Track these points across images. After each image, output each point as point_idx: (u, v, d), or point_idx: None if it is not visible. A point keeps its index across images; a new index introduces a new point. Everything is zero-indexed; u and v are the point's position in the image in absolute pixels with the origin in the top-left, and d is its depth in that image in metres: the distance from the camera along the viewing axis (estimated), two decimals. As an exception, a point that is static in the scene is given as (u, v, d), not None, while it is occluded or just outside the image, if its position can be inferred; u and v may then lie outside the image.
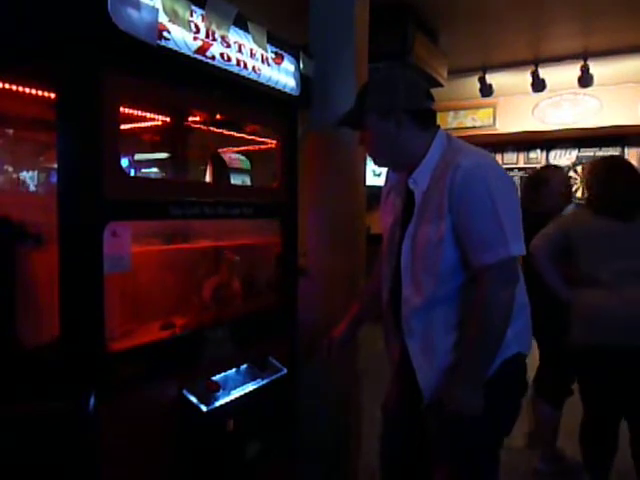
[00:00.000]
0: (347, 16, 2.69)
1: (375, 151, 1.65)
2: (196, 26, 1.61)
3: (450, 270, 1.50)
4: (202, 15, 1.63)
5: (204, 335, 1.85)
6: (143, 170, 3.08)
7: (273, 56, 2.03)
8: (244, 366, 1.95)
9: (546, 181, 3.00)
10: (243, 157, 2.75)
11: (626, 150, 6.73)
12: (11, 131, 2.17)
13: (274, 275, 2.29)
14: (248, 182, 2.69)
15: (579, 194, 6.64)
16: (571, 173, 7.09)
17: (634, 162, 2.70)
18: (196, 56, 1.62)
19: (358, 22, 2.73)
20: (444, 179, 1.47)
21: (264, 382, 1.97)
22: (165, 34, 1.49)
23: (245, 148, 2.70)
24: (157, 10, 1.45)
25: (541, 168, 3.59)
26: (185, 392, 1.66)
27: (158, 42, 1.47)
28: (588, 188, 2.57)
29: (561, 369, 2.81)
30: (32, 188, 2.28)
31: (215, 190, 2.10)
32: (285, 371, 2.09)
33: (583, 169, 7.18)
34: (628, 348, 2.27)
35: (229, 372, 1.88)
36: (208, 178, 2.55)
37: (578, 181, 6.89)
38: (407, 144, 1.58)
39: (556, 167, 3.46)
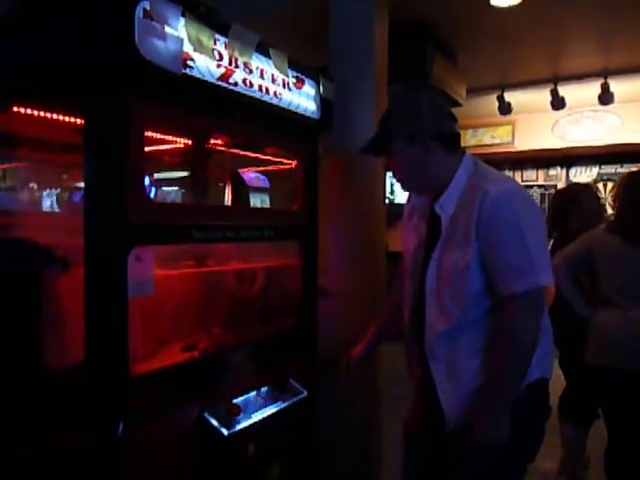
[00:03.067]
0: (366, 39, 2.73)
1: (403, 177, 1.64)
2: (219, 54, 1.64)
3: (476, 296, 1.49)
4: (225, 43, 1.67)
5: (225, 357, 1.86)
6: (164, 188, 3.13)
7: (294, 81, 2.05)
8: (265, 389, 1.95)
9: (576, 200, 2.95)
10: (263, 176, 2.78)
11: (648, 167, 6.64)
12: (37, 154, 2.22)
13: (294, 297, 2.29)
14: (267, 201, 2.71)
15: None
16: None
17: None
18: (219, 83, 1.65)
19: (377, 45, 2.76)
20: (472, 204, 1.46)
21: (285, 405, 1.96)
22: (189, 63, 1.53)
23: (265, 168, 2.73)
24: (182, 40, 1.49)
25: (571, 186, 3.51)
26: (207, 415, 1.66)
27: (183, 71, 1.50)
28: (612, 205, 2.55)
29: (585, 390, 2.76)
30: (57, 209, 2.33)
31: (237, 213, 2.12)
32: (306, 393, 2.08)
33: (604, 186, 7.11)
34: (637, 372, 2.23)
35: (250, 395, 1.87)
36: (228, 197, 2.58)
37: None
38: (435, 168, 1.57)
39: (586, 185, 3.39)
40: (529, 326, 1.44)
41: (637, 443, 2.36)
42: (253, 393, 1.89)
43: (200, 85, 1.59)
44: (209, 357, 1.82)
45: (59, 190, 2.36)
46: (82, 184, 1.55)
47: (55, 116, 1.78)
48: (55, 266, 1.57)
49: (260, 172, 2.76)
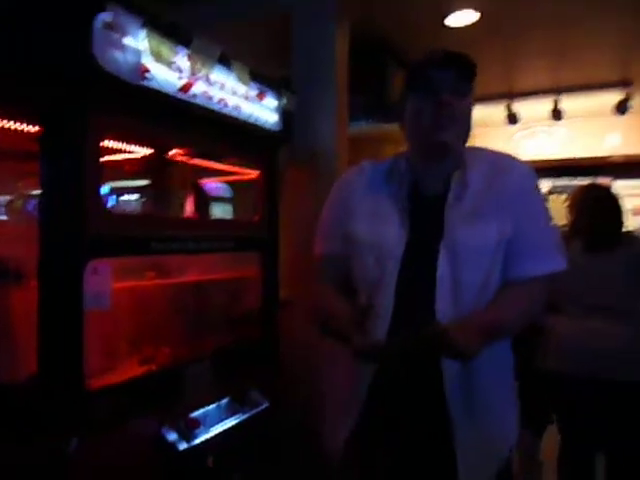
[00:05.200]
0: (328, 53, 2.78)
1: (456, 129, 1.27)
2: (180, 66, 1.64)
3: (499, 279, 1.26)
4: (186, 55, 1.67)
5: (184, 370, 1.84)
6: (125, 197, 3.08)
7: (256, 93, 2.07)
8: (225, 400, 1.94)
9: None
10: (225, 186, 2.77)
11: (599, 180, 6.92)
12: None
13: (256, 307, 2.29)
14: (230, 211, 2.71)
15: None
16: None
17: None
18: (178, 95, 1.65)
19: (339, 58, 2.82)
20: (498, 176, 1.29)
21: (245, 416, 1.95)
22: (149, 74, 1.52)
23: (227, 178, 2.72)
24: (140, 51, 1.49)
25: None
26: (164, 430, 1.64)
27: (141, 82, 1.50)
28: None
29: (540, 396, 2.83)
30: (8, 218, 2.26)
31: (196, 225, 2.11)
32: (267, 404, 2.08)
33: (558, 197, 7.37)
34: (591, 380, 2.30)
35: (209, 407, 1.86)
36: (189, 208, 2.56)
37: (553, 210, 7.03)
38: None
39: None
40: (538, 308, 1.33)
41: (589, 448, 2.45)
42: (213, 405, 1.88)
43: (159, 96, 1.58)
44: (167, 370, 1.80)
45: (12, 198, 2.29)
46: (36, 192, 1.52)
47: (11, 124, 1.74)
48: (8, 279, 1.53)
49: (223, 182, 2.75)
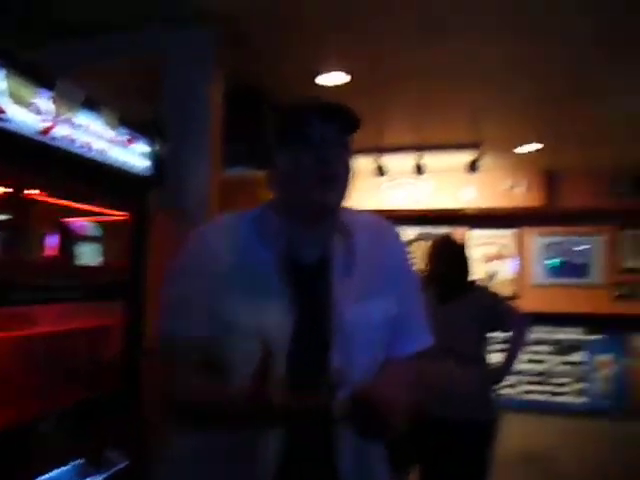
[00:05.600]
0: (201, 100, 2.83)
1: (342, 187, 1.13)
2: (41, 108, 1.58)
3: (382, 357, 1.18)
4: (49, 97, 1.62)
5: (31, 430, 1.69)
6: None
7: (126, 138, 2.04)
8: (78, 462, 1.80)
9: None
10: (93, 225, 2.65)
11: (457, 229, 7.61)
12: None
13: (116, 358, 2.18)
14: (99, 251, 2.58)
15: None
16: (412, 248, 7.77)
17: (461, 240, 3.00)
18: (37, 137, 1.59)
19: (212, 106, 2.87)
20: (379, 251, 1.19)
21: (101, 479, 1.83)
22: (4, 115, 1.45)
23: (97, 218, 2.61)
24: (-4, 92, 1.42)
25: None
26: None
27: (-5, 123, 1.42)
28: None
29: (403, 441, 2.96)
30: None
31: (54, 270, 1.99)
32: (127, 463, 1.96)
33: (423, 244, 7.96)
34: (445, 421, 2.47)
35: (59, 471, 1.72)
36: (53, 249, 2.40)
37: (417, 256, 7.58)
38: None
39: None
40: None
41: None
42: (63, 469, 1.74)
43: (14, 138, 1.51)
44: (10, 432, 1.64)
45: None
46: None
47: None
48: None
49: (93, 221, 2.62)
